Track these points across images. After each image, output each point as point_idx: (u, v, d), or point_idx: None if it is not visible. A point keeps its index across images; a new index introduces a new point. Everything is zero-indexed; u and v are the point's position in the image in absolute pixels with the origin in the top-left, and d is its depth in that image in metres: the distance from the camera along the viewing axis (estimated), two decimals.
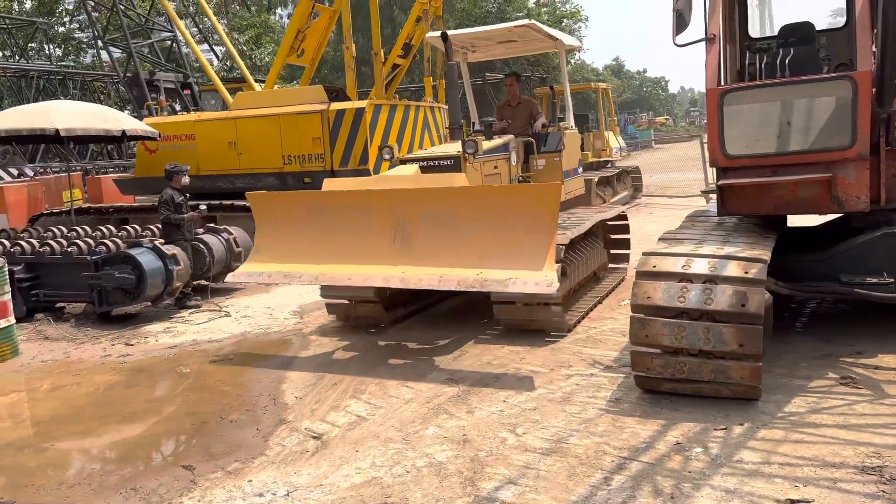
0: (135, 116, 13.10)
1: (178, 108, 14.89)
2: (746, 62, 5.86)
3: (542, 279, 5.03)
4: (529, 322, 6.28)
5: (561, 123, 8.32)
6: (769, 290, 5.11)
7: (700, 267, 4.53)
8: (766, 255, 4.67)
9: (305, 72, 13.33)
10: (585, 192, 13.83)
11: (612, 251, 8.47)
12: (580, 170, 9.08)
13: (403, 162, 7.03)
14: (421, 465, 4.00)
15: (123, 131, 10.49)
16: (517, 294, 5.82)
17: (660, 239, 5.40)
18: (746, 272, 4.41)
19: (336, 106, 11.01)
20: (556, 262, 5.61)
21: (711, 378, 4.44)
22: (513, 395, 4.96)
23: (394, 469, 3.97)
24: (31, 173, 16.36)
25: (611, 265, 8.43)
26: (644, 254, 4.82)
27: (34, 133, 10.00)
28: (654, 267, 4.64)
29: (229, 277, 6.30)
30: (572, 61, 50.46)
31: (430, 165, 6.84)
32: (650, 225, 13.11)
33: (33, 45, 26.50)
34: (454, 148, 6.96)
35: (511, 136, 7.89)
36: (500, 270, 5.15)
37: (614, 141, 17.78)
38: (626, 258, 8.53)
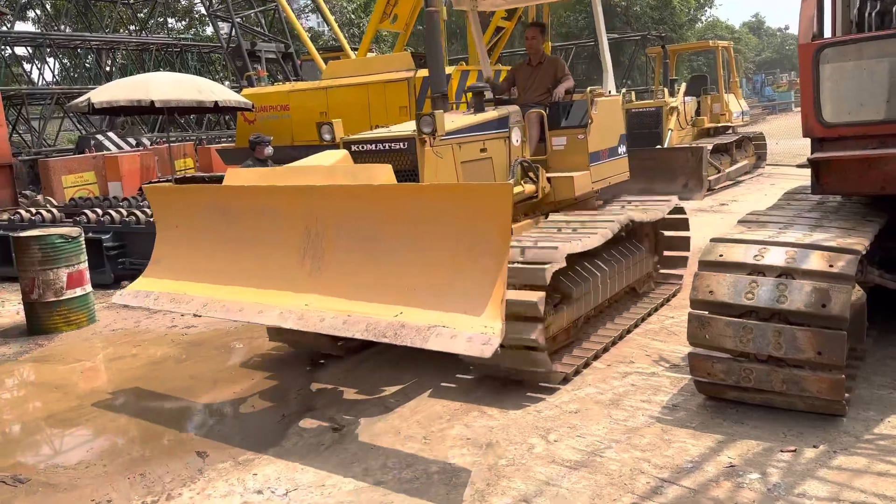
0: (234, 88, 13.35)
1: (279, 78, 15.14)
2: (856, 11, 4.94)
3: (476, 332, 3.35)
4: (502, 369, 4.62)
5: (590, 89, 6.37)
6: (870, 286, 4.32)
7: (775, 257, 3.84)
8: (862, 244, 3.89)
9: (399, 38, 13.02)
10: (697, 165, 12.80)
11: (664, 254, 6.81)
12: (622, 149, 6.99)
13: (347, 145, 5.28)
14: (433, 470, 3.64)
15: (216, 102, 10.67)
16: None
17: (739, 221, 4.70)
18: (831, 265, 3.68)
19: (423, 73, 10.63)
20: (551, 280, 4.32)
21: (783, 389, 3.76)
22: (557, 392, 4.48)
23: (403, 473, 3.63)
24: (147, 143, 17.21)
25: (664, 270, 6.78)
26: (712, 240, 4.16)
27: (132, 104, 10.35)
28: (721, 256, 3.98)
29: (115, 299, 4.90)
30: (703, 18, 47.41)
31: (378, 150, 5.13)
32: (769, 199, 11.95)
33: (160, 19, 27.97)
34: (411, 126, 5.20)
35: (515, 108, 6.14)
36: (427, 311, 3.59)
37: (735, 104, 16.32)
38: (683, 262, 6.78)
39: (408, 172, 5.00)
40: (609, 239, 5.24)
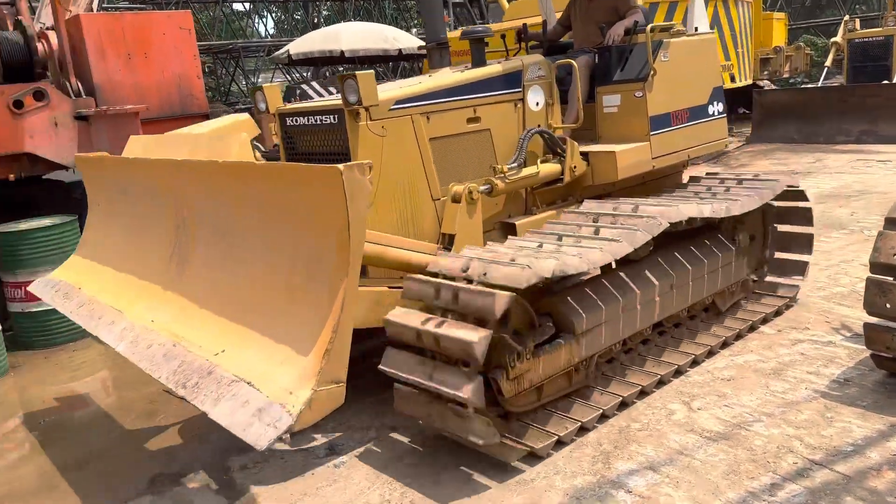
0: (422, 35, 13.58)
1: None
2: None
3: (274, 400, 2.30)
4: (443, 425, 3.24)
5: (650, 26, 4.48)
6: None
7: None
8: None
9: None
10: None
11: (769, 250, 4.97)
12: (716, 107, 4.98)
13: (282, 117, 4.04)
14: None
15: (400, 50, 10.96)
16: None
17: None
18: None
19: None
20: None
21: None
22: (714, 357, 4.17)
23: None
24: None
25: (777, 260, 4.98)
26: None
27: (325, 55, 10.94)
28: None
29: (31, 287, 4.25)
30: None
31: (311, 125, 3.84)
32: None
33: None
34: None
35: (536, 58, 4.54)
36: (247, 353, 2.60)
37: None
38: (808, 244, 4.88)
39: (341, 155, 3.70)
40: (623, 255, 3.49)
